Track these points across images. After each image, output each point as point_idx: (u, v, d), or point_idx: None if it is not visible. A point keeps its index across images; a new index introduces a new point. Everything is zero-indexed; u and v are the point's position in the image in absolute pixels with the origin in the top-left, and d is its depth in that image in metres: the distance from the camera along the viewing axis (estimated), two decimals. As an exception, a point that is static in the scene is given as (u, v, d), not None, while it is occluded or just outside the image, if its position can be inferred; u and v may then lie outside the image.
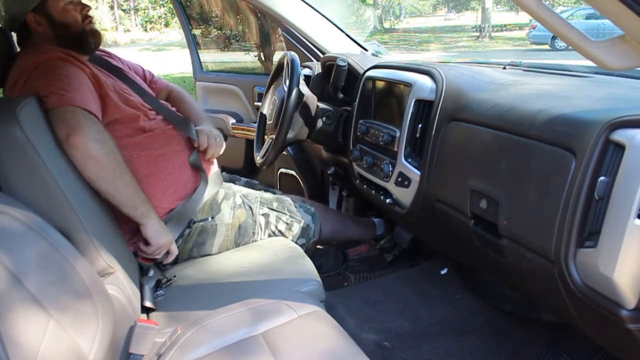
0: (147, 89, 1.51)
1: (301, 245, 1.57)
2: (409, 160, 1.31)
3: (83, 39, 1.34)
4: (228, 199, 1.49)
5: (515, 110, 0.99)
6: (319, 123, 1.69)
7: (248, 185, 1.80)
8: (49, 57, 1.22)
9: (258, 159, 1.75)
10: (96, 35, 1.37)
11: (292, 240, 1.56)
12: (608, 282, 0.74)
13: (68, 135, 1.10)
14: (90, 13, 1.36)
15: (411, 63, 1.44)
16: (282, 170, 2.31)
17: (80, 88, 1.20)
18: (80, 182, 1.10)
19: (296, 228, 1.57)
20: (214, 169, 1.51)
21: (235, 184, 1.75)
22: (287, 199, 1.64)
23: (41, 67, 1.20)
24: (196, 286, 1.29)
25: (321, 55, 1.97)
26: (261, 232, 1.53)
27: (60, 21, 1.31)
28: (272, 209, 1.56)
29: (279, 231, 1.55)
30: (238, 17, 3.23)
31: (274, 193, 1.73)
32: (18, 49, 1.35)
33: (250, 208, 1.52)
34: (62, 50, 1.27)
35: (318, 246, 1.99)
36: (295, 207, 1.61)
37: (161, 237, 1.27)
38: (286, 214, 1.57)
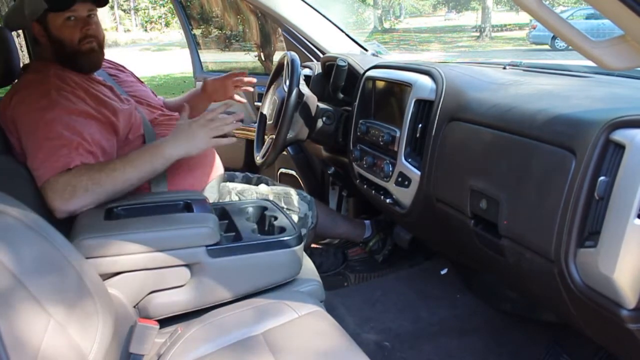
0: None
1: (302, 235, 1.57)
2: (409, 160, 1.31)
3: (77, 60, 1.31)
4: (224, 199, 1.48)
5: (516, 110, 0.99)
6: (319, 123, 1.69)
7: (245, 179, 1.80)
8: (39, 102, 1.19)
9: (258, 159, 1.75)
10: (92, 56, 1.32)
11: None
12: (608, 281, 0.74)
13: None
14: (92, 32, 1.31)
15: (411, 63, 1.44)
16: (282, 170, 2.31)
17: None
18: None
19: (295, 219, 1.57)
20: (219, 171, 1.50)
21: (234, 181, 1.75)
22: (284, 188, 1.63)
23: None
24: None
25: (321, 55, 1.97)
26: None
27: (56, 37, 1.28)
28: None
29: None
30: (238, 17, 3.23)
31: (267, 184, 1.73)
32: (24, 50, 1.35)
33: None
34: (57, 75, 1.26)
35: (318, 245, 1.99)
36: (292, 197, 1.60)
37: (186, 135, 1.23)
38: (283, 207, 1.57)
